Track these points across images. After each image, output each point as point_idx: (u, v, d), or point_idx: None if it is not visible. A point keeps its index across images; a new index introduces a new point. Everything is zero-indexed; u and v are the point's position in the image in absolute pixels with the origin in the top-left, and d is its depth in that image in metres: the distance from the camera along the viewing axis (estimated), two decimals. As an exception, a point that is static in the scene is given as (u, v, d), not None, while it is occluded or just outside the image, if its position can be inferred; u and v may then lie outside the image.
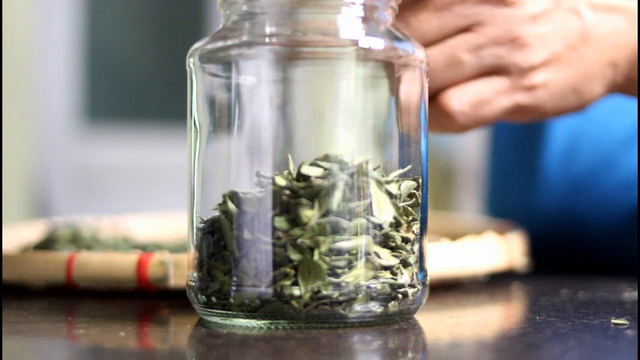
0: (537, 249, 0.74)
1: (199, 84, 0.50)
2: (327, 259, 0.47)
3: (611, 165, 0.81)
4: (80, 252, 0.59)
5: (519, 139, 0.89)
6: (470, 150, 2.30)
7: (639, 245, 0.76)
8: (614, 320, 0.50)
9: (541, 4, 0.59)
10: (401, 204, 0.49)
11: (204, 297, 0.49)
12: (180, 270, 0.56)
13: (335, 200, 0.47)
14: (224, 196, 0.48)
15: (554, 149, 0.84)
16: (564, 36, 0.60)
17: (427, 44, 0.59)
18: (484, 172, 0.99)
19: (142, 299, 0.58)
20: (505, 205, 0.91)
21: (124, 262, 0.57)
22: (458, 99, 0.59)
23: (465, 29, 0.59)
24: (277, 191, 0.47)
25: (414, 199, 0.49)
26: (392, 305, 0.48)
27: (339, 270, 0.47)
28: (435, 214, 0.79)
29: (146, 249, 0.69)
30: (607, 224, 0.81)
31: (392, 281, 0.48)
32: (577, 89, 0.62)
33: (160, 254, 0.57)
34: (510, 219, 0.82)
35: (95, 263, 0.58)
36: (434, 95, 0.59)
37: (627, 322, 0.50)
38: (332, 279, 0.47)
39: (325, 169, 0.47)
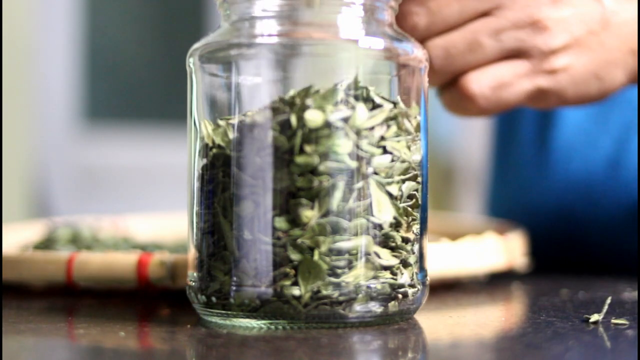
0: (537, 249, 0.74)
1: (199, 84, 0.50)
2: (327, 259, 0.47)
3: (613, 164, 0.81)
4: (80, 252, 0.59)
5: (520, 138, 0.89)
6: (470, 150, 2.30)
7: (639, 245, 0.76)
8: (614, 320, 0.50)
9: None
10: (402, 205, 0.49)
11: (204, 297, 0.49)
12: (180, 270, 0.56)
13: (335, 200, 0.47)
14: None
15: (558, 149, 0.84)
16: (584, 21, 0.60)
17: (448, 28, 0.59)
18: (485, 172, 0.99)
19: (142, 299, 0.58)
20: (506, 205, 0.91)
21: (124, 262, 0.57)
22: (479, 82, 0.59)
23: (486, 13, 0.59)
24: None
25: (414, 200, 0.50)
26: (392, 305, 0.48)
27: (339, 270, 0.47)
28: (435, 214, 0.79)
29: (146, 249, 0.69)
30: (607, 224, 0.81)
31: (392, 281, 0.48)
32: (598, 75, 0.61)
33: (160, 254, 0.57)
34: (510, 219, 0.82)
35: (95, 263, 0.58)
36: (455, 79, 0.60)
37: (627, 322, 0.50)
38: (332, 279, 0.47)
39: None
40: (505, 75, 0.60)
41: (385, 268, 0.48)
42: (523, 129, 0.89)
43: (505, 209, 0.90)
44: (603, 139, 0.82)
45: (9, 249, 0.68)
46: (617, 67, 0.62)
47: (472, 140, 2.27)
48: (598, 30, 0.61)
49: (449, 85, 0.61)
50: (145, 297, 0.58)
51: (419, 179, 0.50)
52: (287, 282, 0.47)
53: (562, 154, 0.84)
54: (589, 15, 0.60)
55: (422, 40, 0.59)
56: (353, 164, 0.47)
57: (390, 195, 0.48)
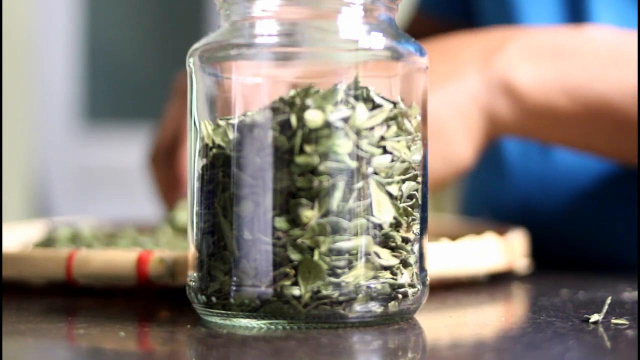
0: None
1: (199, 84, 0.50)
2: (327, 259, 0.47)
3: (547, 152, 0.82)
4: (80, 249, 0.59)
5: None
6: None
7: (639, 245, 0.77)
8: (614, 320, 0.50)
9: None
10: (402, 205, 0.49)
11: (204, 297, 0.49)
12: (180, 267, 0.56)
13: (335, 200, 0.47)
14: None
15: (511, 144, 0.85)
16: None
17: None
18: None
19: (142, 299, 0.58)
20: (477, 203, 0.92)
21: (124, 260, 0.57)
22: None
23: None
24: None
25: (414, 200, 0.50)
26: (392, 305, 0.48)
27: (339, 270, 0.47)
28: (436, 214, 0.79)
29: (146, 246, 0.69)
30: (559, 212, 0.82)
31: (392, 281, 0.48)
32: (434, 150, 0.65)
33: (160, 252, 0.57)
34: (482, 217, 0.83)
35: (95, 260, 0.58)
36: None
37: (627, 322, 0.50)
38: (332, 279, 0.47)
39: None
40: None
41: (385, 268, 0.48)
42: None
43: (474, 208, 0.91)
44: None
45: (9, 247, 0.68)
46: (450, 137, 0.66)
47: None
48: None
49: None
50: (145, 297, 0.58)
51: (419, 179, 0.50)
52: (287, 282, 0.47)
53: (511, 150, 0.85)
54: None
55: None
56: (353, 164, 0.47)
57: (390, 195, 0.48)
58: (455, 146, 0.67)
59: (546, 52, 0.68)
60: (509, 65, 0.67)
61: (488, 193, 0.90)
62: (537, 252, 0.74)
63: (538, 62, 0.67)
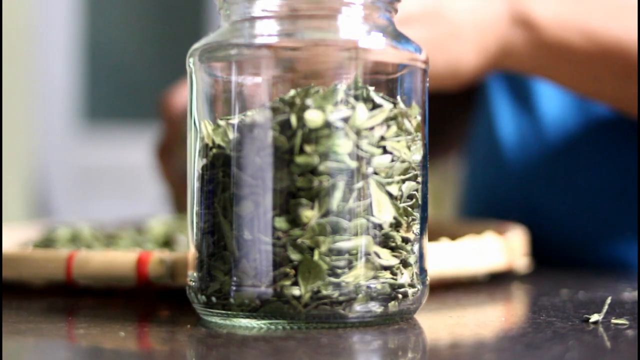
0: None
1: (199, 84, 0.50)
2: (327, 259, 0.47)
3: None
4: (80, 250, 0.59)
5: (479, 136, 0.91)
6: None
7: (639, 245, 0.77)
8: (614, 320, 0.50)
9: None
10: (402, 205, 0.49)
11: (204, 297, 0.49)
12: (180, 268, 0.56)
13: (335, 200, 0.47)
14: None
15: (506, 140, 0.85)
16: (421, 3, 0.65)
17: None
18: (461, 173, 1.01)
19: (142, 299, 0.58)
20: (477, 200, 0.92)
21: (123, 260, 0.57)
22: None
23: None
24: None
25: (414, 200, 0.50)
26: (392, 305, 0.48)
27: (339, 270, 0.47)
28: (435, 214, 0.79)
29: (146, 247, 0.69)
30: (558, 208, 0.82)
31: (392, 281, 0.48)
32: (442, 47, 0.65)
33: (160, 252, 0.57)
34: (483, 215, 0.83)
35: (95, 261, 0.58)
36: None
37: (627, 322, 0.50)
38: (332, 279, 0.47)
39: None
40: None
41: (385, 268, 0.48)
42: (479, 128, 0.91)
43: (474, 206, 0.91)
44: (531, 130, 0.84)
45: (8, 247, 0.68)
46: (462, 42, 0.66)
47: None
48: (434, 10, 0.65)
49: None
50: (145, 297, 0.58)
51: (419, 179, 0.50)
52: (287, 282, 0.47)
53: (508, 148, 0.85)
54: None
55: None
56: (353, 164, 0.47)
57: (390, 195, 0.48)
58: (463, 52, 0.67)
59: None
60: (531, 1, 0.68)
61: (487, 189, 0.90)
62: (537, 249, 0.74)
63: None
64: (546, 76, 0.72)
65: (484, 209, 0.90)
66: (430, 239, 0.52)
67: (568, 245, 0.82)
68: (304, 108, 0.48)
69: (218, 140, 0.49)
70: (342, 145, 0.47)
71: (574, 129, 0.82)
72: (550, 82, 0.73)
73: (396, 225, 0.49)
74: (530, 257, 0.70)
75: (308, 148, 0.47)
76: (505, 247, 0.65)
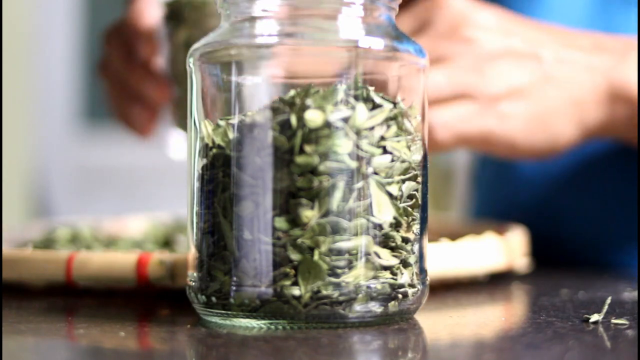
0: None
1: (199, 84, 0.50)
2: (327, 259, 0.47)
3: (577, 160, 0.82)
4: (79, 251, 0.59)
5: None
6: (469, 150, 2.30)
7: (639, 245, 0.77)
8: (614, 320, 0.50)
9: (496, 44, 0.68)
10: (402, 205, 0.49)
11: (204, 297, 0.49)
12: (180, 269, 0.56)
13: (335, 200, 0.47)
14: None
15: None
16: (524, 73, 0.68)
17: None
18: (471, 173, 1.00)
19: (142, 299, 0.58)
20: (491, 204, 0.91)
21: (123, 262, 0.57)
22: (438, 114, 0.66)
23: (438, 59, 0.67)
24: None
25: (414, 200, 0.50)
26: (392, 305, 0.48)
27: (339, 270, 0.47)
28: (435, 214, 0.79)
29: (145, 248, 0.69)
30: (582, 216, 0.82)
31: (392, 281, 0.48)
32: (543, 123, 0.68)
33: (159, 253, 0.57)
34: (495, 218, 0.83)
35: (94, 262, 0.58)
36: None
37: (627, 322, 0.50)
38: (332, 279, 0.47)
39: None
40: (462, 111, 0.67)
41: (385, 268, 0.48)
42: None
43: (489, 209, 0.91)
44: None
45: (8, 248, 0.68)
46: (561, 118, 0.69)
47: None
48: (538, 82, 0.68)
49: None
50: (145, 297, 0.58)
51: (419, 179, 0.50)
52: (287, 282, 0.47)
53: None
54: (528, 68, 0.68)
55: None
56: (353, 164, 0.47)
57: (390, 195, 0.48)
58: (562, 128, 0.69)
59: None
60: (631, 76, 0.70)
61: (497, 190, 0.89)
62: (538, 250, 0.74)
63: None
64: (629, 139, 0.73)
65: (491, 210, 0.89)
66: (430, 239, 0.52)
67: (580, 248, 0.82)
68: (304, 108, 0.47)
69: (218, 140, 0.49)
70: (342, 145, 0.47)
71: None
72: (628, 143, 0.75)
73: (396, 225, 0.49)
74: (530, 257, 0.70)
75: (308, 148, 0.47)
76: (505, 247, 0.65)
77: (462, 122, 0.66)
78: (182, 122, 0.72)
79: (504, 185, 0.88)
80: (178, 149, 0.77)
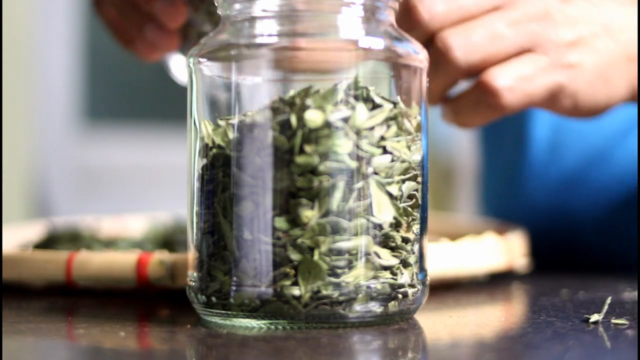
0: (532, 247, 0.75)
1: (199, 84, 0.50)
2: (327, 259, 0.47)
3: (602, 159, 0.81)
4: (79, 251, 0.59)
5: (505, 137, 0.90)
6: (470, 150, 2.30)
7: (639, 245, 0.76)
8: (614, 320, 0.50)
9: None
10: (402, 205, 0.49)
11: (204, 297, 0.49)
12: (180, 269, 0.56)
13: (335, 200, 0.47)
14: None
15: (538, 146, 0.84)
16: (588, 22, 0.62)
17: (465, 17, 0.59)
18: (477, 173, 1.00)
19: (142, 299, 0.58)
20: (500, 205, 0.91)
21: (123, 262, 0.57)
22: (502, 76, 0.60)
23: (499, 7, 0.60)
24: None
25: (414, 200, 0.50)
26: (392, 305, 0.48)
27: (339, 270, 0.47)
28: (435, 214, 0.79)
29: (145, 248, 0.69)
30: (600, 219, 0.81)
31: (392, 281, 0.48)
32: (605, 77, 0.62)
33: (159, 254, 0.57)
34: (506, 219, 0.82)
35: (94, 262, 0.58)
36: (476, 75, 0.60)
37: (627, 322, 0.50)
38: (332, 279, 0.47)
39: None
40: (528, 68, 0.60)
41: (385, 268, 0.48)
42: (504, 130, 0.89)
43: (500, 209, 0.90)
44: (592, 132, 0.82)
45: (8, 248, 0.68)
46: (618, 72, 0.63)
47: (471, 141, 2.27)
48: (600, 33, 0.62)
49: (470, 80, 0.61)
50: (145, 297, 0.58)
51: (419, 179, 0.50)
52: (287, 282, 0.47)
53: (548, 151, 0.84)
54: (592, 17, 0.62)
55: (440, 28, 0.59)
56: (353, 164, 0.47)
57: (390, 195, 0.48)
58: (618, 86, 0.63)
59: None
60: None
61: (509, 189, 0.89)
62: (539, 251, 0.74)
63: None
64: None
65: (498, 210, 0.89)
66: (430, 239, 0.52)
67: (568, 245, 0.82)
68: (304, 108, 0.48)
69: (218, 140, 0.49)
70: (342, 145, 0.47)
71: (609, 130, 0.81)
72: None
73: (396, 225, 0.49)
74: (530, 257, 0.70)
75: (308, 148, 0.47)
76: (505, 248, 0.65)
77: (530, 82, 0.60)
78: (186, 46, 0.69)
79: (510, 186, 0.88)
80: (180, 71, 0.73)
